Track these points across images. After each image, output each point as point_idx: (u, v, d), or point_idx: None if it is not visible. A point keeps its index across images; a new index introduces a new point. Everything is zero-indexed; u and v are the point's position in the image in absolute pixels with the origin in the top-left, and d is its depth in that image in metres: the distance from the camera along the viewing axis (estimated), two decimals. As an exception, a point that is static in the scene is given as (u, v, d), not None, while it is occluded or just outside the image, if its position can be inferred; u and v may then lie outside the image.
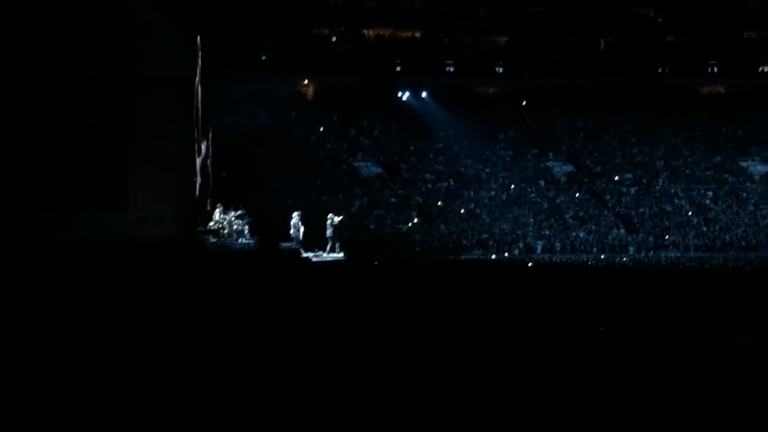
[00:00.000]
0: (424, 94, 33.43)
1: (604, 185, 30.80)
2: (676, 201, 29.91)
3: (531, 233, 27.62)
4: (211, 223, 18.23)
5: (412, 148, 31.97)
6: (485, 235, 27.21)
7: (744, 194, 30.15)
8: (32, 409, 3.77)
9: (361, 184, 29.98)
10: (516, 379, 4.35)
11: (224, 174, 22.92)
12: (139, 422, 3.70)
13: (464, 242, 26.72)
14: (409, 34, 34.17)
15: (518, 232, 27.65)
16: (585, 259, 21.85)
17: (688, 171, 31.36)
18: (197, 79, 18.98)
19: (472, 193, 29.90)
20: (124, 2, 14.09)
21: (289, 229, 20.10)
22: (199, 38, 19.24)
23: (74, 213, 11.50)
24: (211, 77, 19.87)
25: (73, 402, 3.89)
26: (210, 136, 20.03)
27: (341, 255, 20.84)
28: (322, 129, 31.86)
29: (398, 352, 5.09)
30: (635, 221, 28.67)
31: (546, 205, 29.44)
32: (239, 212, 18.50)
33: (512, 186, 30.33)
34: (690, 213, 28.96)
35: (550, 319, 6.78)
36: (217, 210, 18.49)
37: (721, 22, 33.21)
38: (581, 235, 27.75)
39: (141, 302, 7.66)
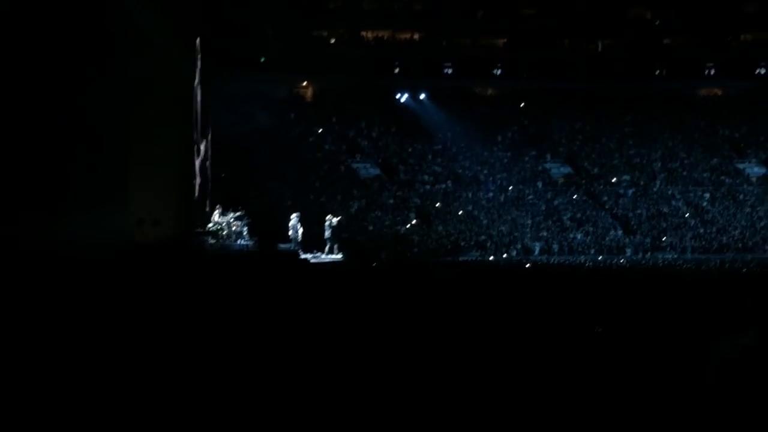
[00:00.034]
0: (422, 96, 33.49)
1: (601, 187, 30.88)
2: (674, 203, 30.01)
3: (529, 235, 27.70)
4: (210, 225, 18.26)
5: (410, 149, 32.02)
6: (483, 237, 27.27)
7: (741, 196, 30.25)
8: (30, 409, 3.78)
9: (360, 186, 30.03)
10: (513, 380, 4.35)
11: (223, 175, 22.95)
12: (138, 423, 3.71)
13: (462, 243, 26.78)
14: (408, 36, 34.22)
15: (516, 234, 27.72)
16: (582, 261, 21.90)
17: (685, 173, 31.45)
18: (196, 80, 19.01)
19: (470, 195, 29.97)
20: (123, 4, 14.12)
21: (288, 230, 20.13)
22: (198, 40, 19.27)
23: (73, 214, 11.51)
24: (210, 78, 19.90)
25: (71, 403, 3.89)
26: (209, 137, 20.06)
27: (339, 256, 20.88)
28: (320, 130, 31.90)
29: (395, 354, 5.09)
30: (633, 223, 28.76)
31: (544, 207, 29.51)
32: (238, 213, 18.54)
33: (510, 187, 30.40)
34: (687, 215, 29.06)
35: (547, 321, 6.79)
36: (216, 211, 18.52)
37: (718, 24, 33.31)
38: (579, 236, 27.83)
39: (139, 303, 7.64)
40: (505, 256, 25.60)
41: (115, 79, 13.16)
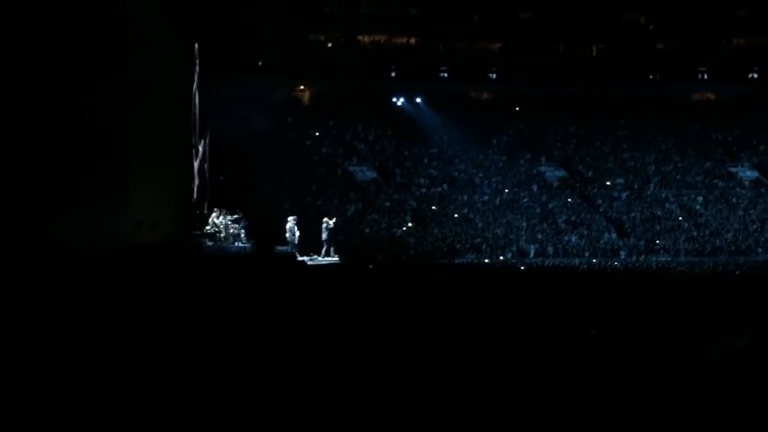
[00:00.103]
0: (418, 100, 33.63)
1: (595, 190, 31.05)
2: (667, 206, 30.20)
3: (524, 237, 27.83)
4: (208, 227, 18.30)
5: (406, 152, 32.14)
6: (479, 239, 27.40)
7: (734, 199, 30.47)
8: (30, 409, 3.80)
9: (356, 189, 30.11)
10: (507, 382, 4.36)
11: (221, 178, 23.01)
12: (136, 423, 3.74)
13: (458, 246, 26.90)
14: (404, 40, 34.36)
15: (511, 236, 27.86)
16: (577, 263, 22.01)
17: (678, 176, 31.66)
18: (195, 84, 19.08)
19: (465, 198, 30.09)
20: (123, 4, 14.18)
21: (285, 232, 20.20)
22: (196, 45, 19.35)
23: (72, 214, 11.56)
24: (207, 82, 19.98)
25: (69, 403, 3.91)
26: (207, 140, 20.12)
27: (336, 258, 20.96)
28: (317, 134, 31.98)
29: (390, 355, 5.08)
30: (627, 226, 28.92)
31: (539, 210, 29.65)
32: (236, 216, 18.61)
33: (505, 190, 30.54)
34: (680, 218, 29.25)
35: (541, 323, 6.80)
36: (214, 213, 18.58)
37: (711, 29, 33.57)
38: (573, 239, 27.98)
39: (138, 305, 7.66)
40: (500, 258, 25.72)
41: (115, 79, 13.21)
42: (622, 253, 26.86)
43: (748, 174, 31.71)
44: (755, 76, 33.92)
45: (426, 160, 31.88)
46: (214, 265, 15.13)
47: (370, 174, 30.85)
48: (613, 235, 28.28)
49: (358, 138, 32.56)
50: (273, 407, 3.96)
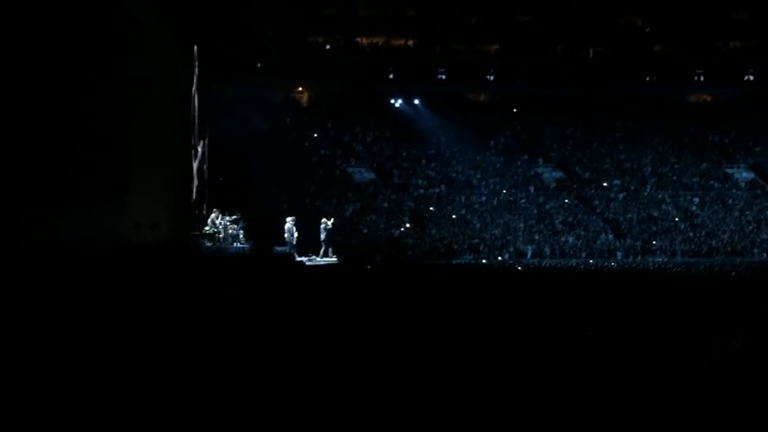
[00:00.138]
0: (416, 101, 33.70)
1: (592, 191, 31.17)
2: (664, 207, 30.33)
3: (521, 238, 27.92)
4: (207, 228, 18.33)
5: (404, 154, 32.21)
6: (476, 240, 27.48)
7: (730, 200, 30.61)
8: (29, 408, 3.82)
9: (355, 190, 30.17)
10: (504, 381, 4.38)
11: (220, 179, 23.04)
12: (135, 423, 3.77)
13: (455, 247, 26.97)
14: (402, 42, 34.43)
15: (508, 237, 27.94)
16: (574, 264, 22.10)
17: (675, 177, 31.79)
18: (194, 85, 19.13)
19: (463, 199, 30.17)
20: (123, 4, 14.22)
21: (284, 233, 20.24)
22: (196, 47, 19.39)
23: (72, 214, 11.60)
24: (207, 83, 20.03)
25: (69, 403, 3.92)
26: (206, 141, 20.17)
27: (334, 259, 21.00)
28: (316, 135, 32.03)
29: (388, 355, 5.09)
30: (623, 227, 29.04)
31: (536, 211, 29.75)
32: (234, 217, 18.64)
33: (503, 191, 30.63)
34: (677, 219, 29.38)
35: (538, 323, 6.81)
36: (213, 214, 18.61)
37: (707, 31, 33.72)
38: (570, 240, 28.08)
39: (137, 305, 7.69)
40: (498, 259, 25.80)
41: (115, 79, 13.24)
42: (619, 254, 26.97)
43: (744, 175, 31.86)
44: (751, 78, 34.07)
45: (424, 161, 31.95)
46: (213, 266, 15.16)
47: (369, 175, 30.92)
48: (610, 236, 28.39)
49: (356, 139, 32.63)
50: (272, 407, 3.98)
